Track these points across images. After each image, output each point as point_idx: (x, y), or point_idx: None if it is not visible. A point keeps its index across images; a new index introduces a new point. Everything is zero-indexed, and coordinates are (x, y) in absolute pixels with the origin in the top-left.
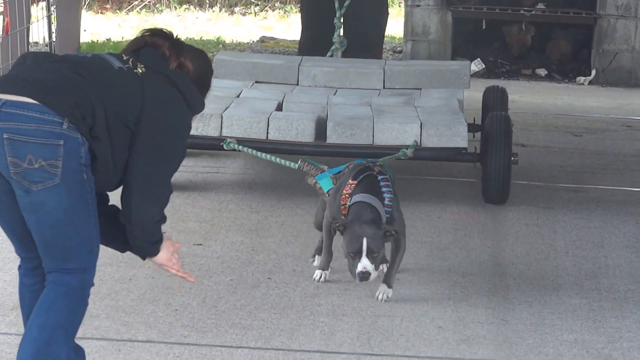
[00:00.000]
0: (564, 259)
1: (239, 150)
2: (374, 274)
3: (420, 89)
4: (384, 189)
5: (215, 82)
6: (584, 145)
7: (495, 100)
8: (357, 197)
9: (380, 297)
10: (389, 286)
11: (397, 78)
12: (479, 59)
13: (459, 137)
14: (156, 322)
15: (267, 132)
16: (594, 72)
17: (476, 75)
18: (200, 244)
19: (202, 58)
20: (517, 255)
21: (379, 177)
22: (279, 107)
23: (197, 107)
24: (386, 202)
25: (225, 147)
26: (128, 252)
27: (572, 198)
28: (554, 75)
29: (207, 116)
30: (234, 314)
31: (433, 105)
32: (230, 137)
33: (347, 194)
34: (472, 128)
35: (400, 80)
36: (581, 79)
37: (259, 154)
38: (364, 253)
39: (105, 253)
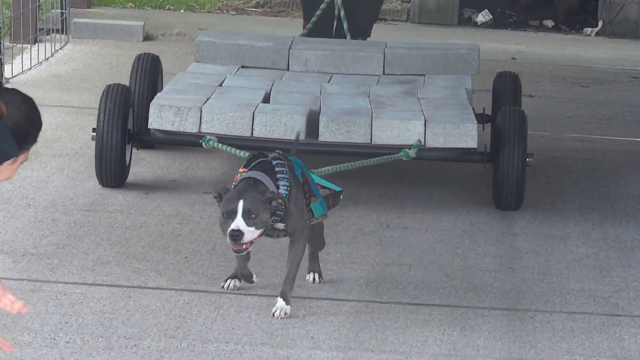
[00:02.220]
0: (571, 209)
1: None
2: (249, 235)
3: (424, 75)
4: (279, 175)
5: (197, 68)
6: (590, 96)
7: (507, 89)
8: (243, 175)
9: (276, 314)
10: (286, 301)
11: (399, 63)
12: (486, 10)
13: (468, 137)
14: (166, 269)
15: (252, 129)
16: (600, 23)
17: (484, 25)
18: (209, 192)
19: (25, 104)
20: (524, 205)
21: (274, 162)
22: (267, 99)
23: (7, 150)
24: (281, 189)
25: (204, 145)
26: (138, 201)
27: (579, 148)
28: (561, 26)
29: (184, 109)
30: None
31: (438, 97)
32: (210, 134)
33: (235, 182)
34: (481, 118)
35: (402, 65)
36: (588, 30)
37: (241, 153)
38: (239, 213)
39: (116, 200)
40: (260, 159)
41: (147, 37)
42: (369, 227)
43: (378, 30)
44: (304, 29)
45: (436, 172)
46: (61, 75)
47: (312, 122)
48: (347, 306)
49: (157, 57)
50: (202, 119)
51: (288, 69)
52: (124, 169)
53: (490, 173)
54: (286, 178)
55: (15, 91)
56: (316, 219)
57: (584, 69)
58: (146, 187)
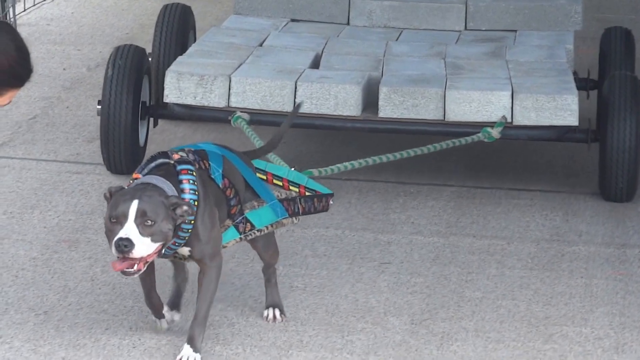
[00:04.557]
0: None
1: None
2: (141, 249)
3: (515, 32)
4: (184, 185)
5: (235, 22)
6: None
7: (618, 49)
8: (135, 182)
9: None
10: (194, 348)
11: (484, 16)
12: None
13: (567, 112)
14: None
15: (295, 103)
16: None
17: None
18: None
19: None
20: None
21: (179, 167)
22: (316, 62)
23: None
24: (187, 196)
25: (232, 124)
26: None
27: None
28: None
29: (209, 78)
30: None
31: (531, 60)
32: (242, 110)
33: None
34: (585, 84)
35: (488, 19)
36: None
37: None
38: (132, 216)
39: None
40: (159, 161)
41: None
42: None
43: None
44: None
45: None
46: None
47: (371, 94)
48: (447, 191)
49: (189, 7)
50: (231, 90)
51: (348, 23)
52: (137, 151)
53: (595, 155)
54: (194, 189)
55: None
56: (257, 231)
57: None
58: None
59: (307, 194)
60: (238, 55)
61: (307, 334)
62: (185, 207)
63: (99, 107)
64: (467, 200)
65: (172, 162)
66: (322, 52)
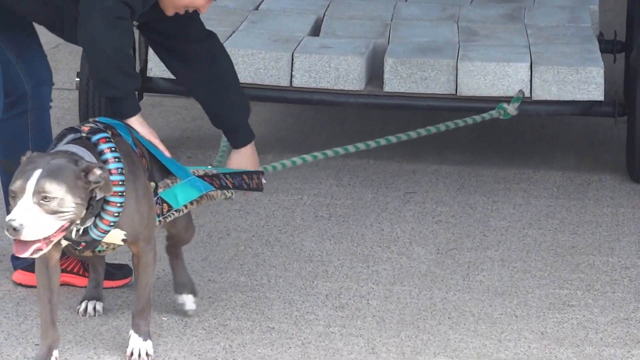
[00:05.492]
0: None
1: None
2: (36, 230)
3: None
4: (107, 154)
5: None
6: None
7: None
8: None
9: (134, 355)
10: (143, 336)
11: None
12: None
13: (591, 86)
14: None
15: (292, 76)
16: None
17: None
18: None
19: None
20: None
21: (94, 138)
22: (316, 29)
23: None
24: (112, 165)
25: None
26: None
27: None
28: None
29: None
30: None
31: (552, 25)
32: None
33: None
34: (609, 46)
35: None
36: None
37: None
38: (28, 192)
39: None
40: (70, 136)
41: None
42: None
43: None
44: None
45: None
46: None
47: (376, 65)
48: None
49: None
50: None
51: None
52: None
53: (622, 131)
54: (117, 157)
55: None
56: (175, 212)
57: None
58: None
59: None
60: (230, 22)
61: (332, 264)
62: (98, 171)
63: (78, 79)
64: (492, 129)
65: (85, 134)
66: (324, 15)
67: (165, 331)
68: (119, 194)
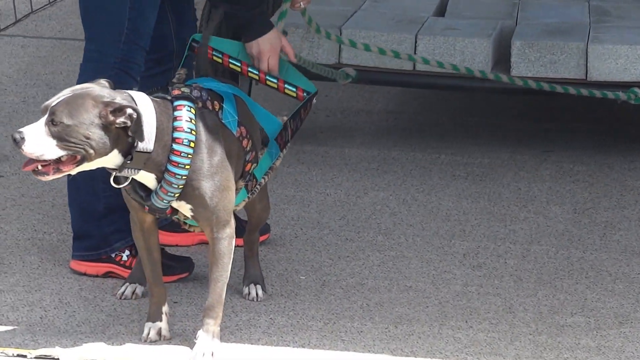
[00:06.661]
0: None
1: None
2: (35, 147)
3: None
4: (178, 121)
5: None
6: None
7: None
8: None
9: (197, 356)
10: (211, 337)
11: None
12: None
13: None
14: None
15: (415, 60)
16: None
17: None
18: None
19: None
20: None
21: (175, 103)
22: (441, 8)
23: None
24: (177, 146)
25: (340, 81)
26: None
27: None
28: None
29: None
30: None
31: None
32: (351, 67)
33: None
34: None
35: None
36: None
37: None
38: (45, 115)
39: None
40: (154, 96)
41: None
42: None
43: None
44: None
45: None
46: None
47: (503, 48)
48: None
49: None
50: (341, 45)
51: None
52: None
53: None
54: (192, 129)
55: None
56: (259, 185)
57: None
58: None
59: (286, 90)
60: (349, 4)
61: (469, 224)
62: (129, 111)
63: None
64: None
65: (170, 97)
66: None
67: (303, 290)
68: (179, 165)
